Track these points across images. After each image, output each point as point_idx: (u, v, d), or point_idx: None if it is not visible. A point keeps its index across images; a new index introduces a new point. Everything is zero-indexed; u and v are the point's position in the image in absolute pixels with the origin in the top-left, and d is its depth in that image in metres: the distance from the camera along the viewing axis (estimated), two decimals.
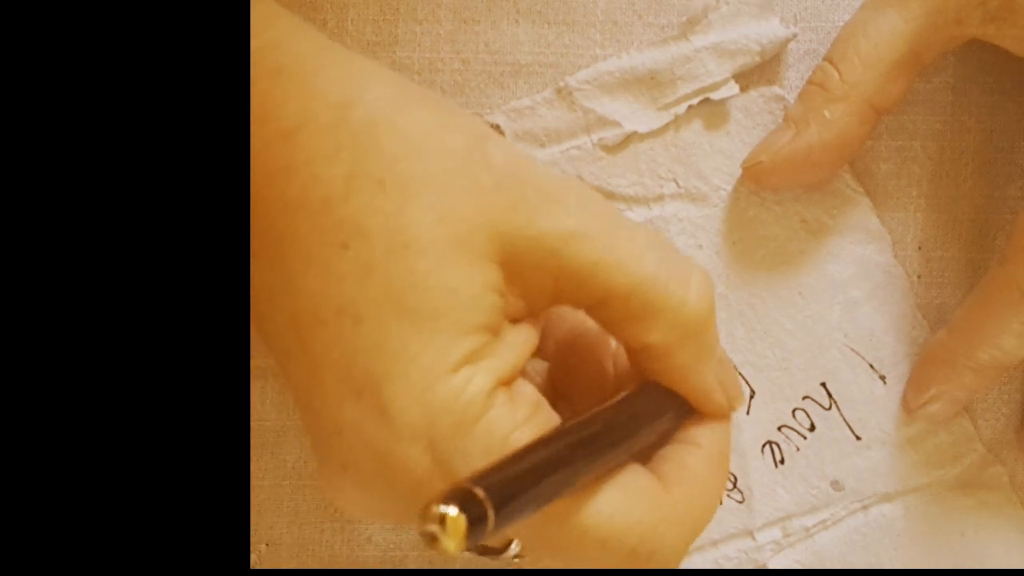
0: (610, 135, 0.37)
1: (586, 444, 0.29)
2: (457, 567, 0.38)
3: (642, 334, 0.30)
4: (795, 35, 0.37)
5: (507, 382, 0.29)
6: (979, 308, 0.36)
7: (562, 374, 0.34)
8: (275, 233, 0.28)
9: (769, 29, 0.37)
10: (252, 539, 0.38)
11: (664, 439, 0.32)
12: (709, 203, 0.38)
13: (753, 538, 0.38)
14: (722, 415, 0.32)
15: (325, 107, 0.28)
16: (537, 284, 0.29)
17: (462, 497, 0.25)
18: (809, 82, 0.36)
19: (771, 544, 0.38)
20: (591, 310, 0.30)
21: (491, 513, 0.25)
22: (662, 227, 0.38)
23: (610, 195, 0.38)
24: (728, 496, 0.38)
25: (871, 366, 0.38)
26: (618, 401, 0.31)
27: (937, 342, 0.37)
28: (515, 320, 0.30)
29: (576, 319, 0.33)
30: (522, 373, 0.30)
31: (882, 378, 0.38)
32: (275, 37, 0.29)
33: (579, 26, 0.37)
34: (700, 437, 0.32)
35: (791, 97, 0.37)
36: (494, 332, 0.29)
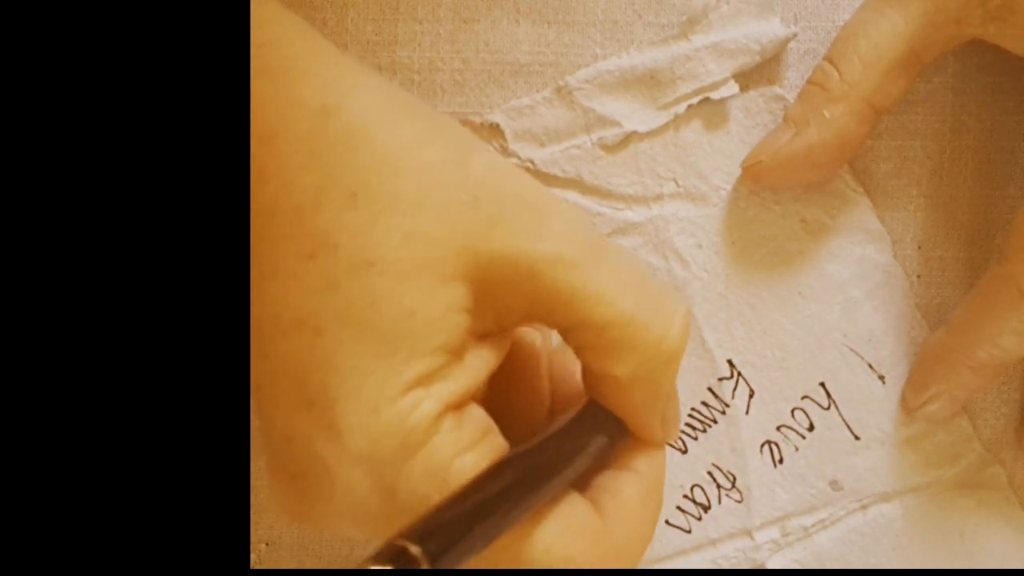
0: (610, 134, 0.37)
1: (528, 480, 0.28)
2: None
3: (608, 366, 0.30)
4: (795, 35, 0.37)
5: (458, 405, 0.29)
6: (978, 307, 0.36)
7: (498, 382, 0.33)
8: None
9: (769, 29, 0.37)
10: (252, 539, 0.38)
11: (600, 462, 0.32)
12: (709, 203, 0.38)
13: (751, 538, 0.38)
14: (657, 444, 0.32)
15: (304, 114, 0.28)
16: (509, 303, 0.29)
17: (396, 555, 0.24)
18: (809, 82, 0.36)
19: (769, 544, 0.38)
20: (563, 332, 0.30)
21: (427, 568, 0.24)
22: (662, 226, 0.38)
23: (609, 194, 0.38)
24: (727, 495, 0.38)
25: (870, 366, 0.38)
26: (560, 428, 0.31)
27: (936, 341, 0.37)
28: (484, 335, 0.29)
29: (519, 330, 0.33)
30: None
31: (881, 378, 0.38)
32: (267, 37, 0.28)
33: (579, 25, 0.37)
34: (638, 463, 0.32)
35: (791, 97, 0.37)
36: (454, 353, 0.28)
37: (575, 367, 0.33)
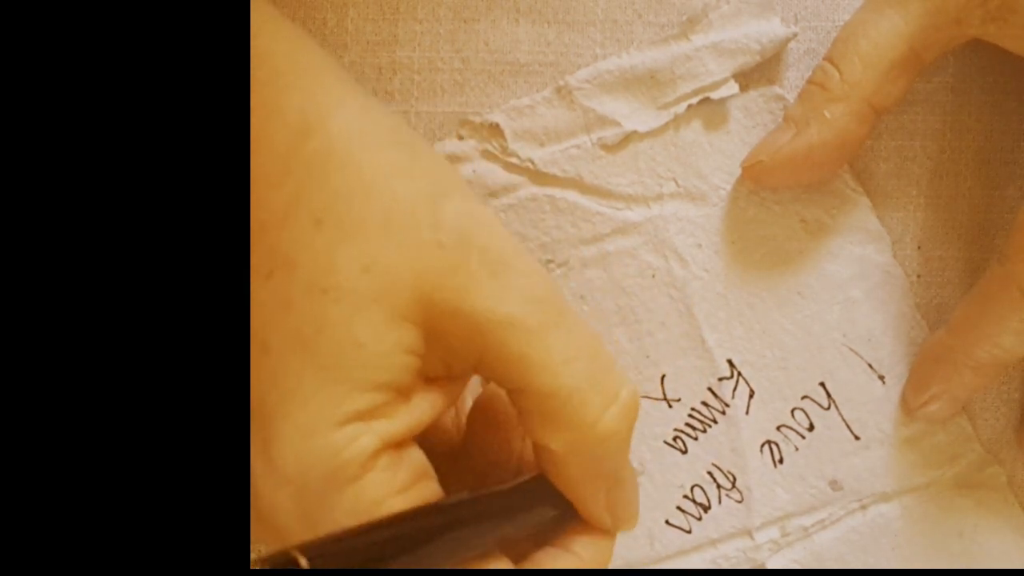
0: (610, 134, 0.37)
1: (449, 529, 0.28)
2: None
3: (546, 437, 0.29)
4: (795, 35, 0.37)
5: (397, 445, 0.28)
6: (978, 306, 0.36)
7: (472, 433, 0.33)
8: None
9: (769, 28, 0.37)
10: (252, 539, 0.38)
11: (545, 536, 0.31)
12: (709, 202, 0.38)
13: (751, 538, 0.38)
14: (606, 531, 0.31)
15: (284, 130, 0.27)
16: (460, 353, 0.29)
17: (284, 564, 0.24)
18: (809, 82, 0.36)
19: (769, 544, 0.38)
20: (508, 394, 0.30)
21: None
22: (661, 226, 0.38)
23: (609, 194, 0.38)
24: (727, 495, 0.38)
25: (870, 366, 0.38)
26: (502, 489, 0.30)
27: (936, 341, 0.37)
28: (433, 380, 0.29)
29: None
30: (441, 421, 0.29)
31: (881, 378, 0.38)
32: (258, 47, 0.28)
33: (579, 25, 0.37)
34: (579, 547, 0.31)
35: (791, 97, 0.37)
36: (400, 392, 0.28)
37: None
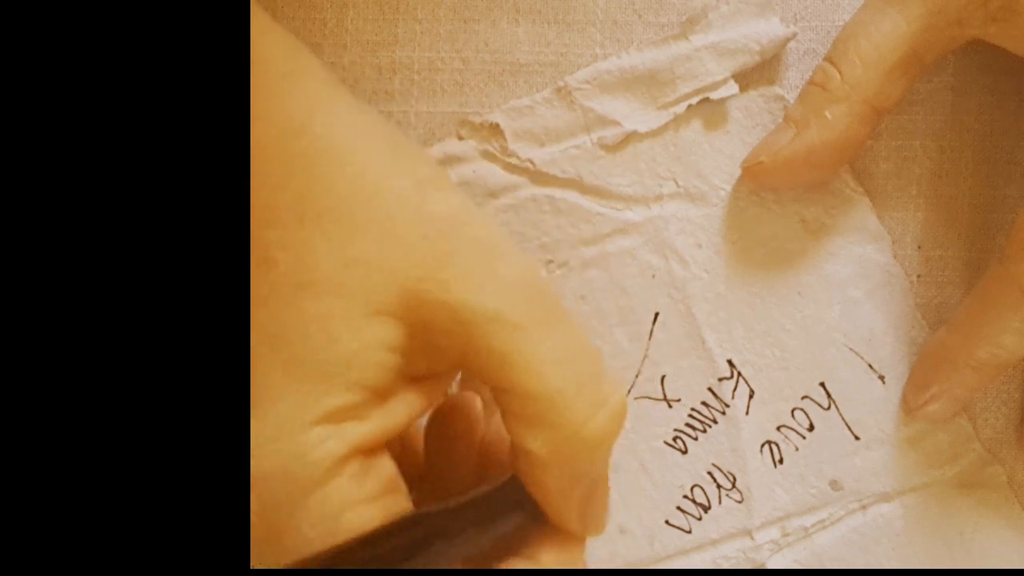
0: (610, 134, 0.37)
1: (421, 546, 0.27)
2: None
3: (526, 439, 0.28)
4: (795, 35, 0.37)
5: (368, 451, 0.27)
6: (979, 306, 0.36)
7: (430, 441, 0.33)
8: None
9: (769, 28, 0.37)
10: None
11: (513, 543, 0.30)
12: (708, 203, 0.38)
13: (752, 538, 0.38)
14: (576, 538, 0.30)
15: (270, 130, 0.27)
16: (443, 348, 0.28)
17: None
18: (809, 82, 0.36)
19: (769, 544, 0.38)
20: (492, 391, 0.29)
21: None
22: (661, 226, 0.38)
23: (609, 194, 0.38)
24: (727, 495, 0.38)
25: (870, 366, 0.38)
26: (472, 498, 0.29)
27: (937, 341, 0.37)
28: (416, 379, 0.28)
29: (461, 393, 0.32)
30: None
31: (881, 378, 0.38)
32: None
33: (579, 25, 0.37)
34: (545, 555, 0.30)
35: (791, 97, 0.37)
36: (376, 392, 0.27)
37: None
